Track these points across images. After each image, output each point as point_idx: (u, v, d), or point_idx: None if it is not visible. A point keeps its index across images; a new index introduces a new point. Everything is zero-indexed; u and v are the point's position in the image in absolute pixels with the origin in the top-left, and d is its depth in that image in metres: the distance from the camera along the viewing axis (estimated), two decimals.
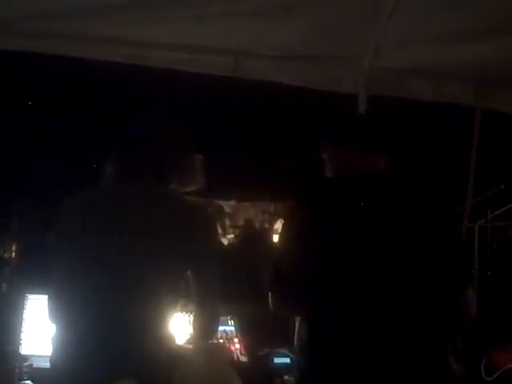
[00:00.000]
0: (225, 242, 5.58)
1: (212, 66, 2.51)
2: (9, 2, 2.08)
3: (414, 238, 1.53)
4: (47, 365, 1.50)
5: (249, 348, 2.22)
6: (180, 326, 2.05)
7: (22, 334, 2.14)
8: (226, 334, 2.23)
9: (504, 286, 5.91)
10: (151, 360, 1.41)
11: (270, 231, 7.11)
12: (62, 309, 1.48)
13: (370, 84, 2.58)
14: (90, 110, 7.51)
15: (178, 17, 2.17)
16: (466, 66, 2.48)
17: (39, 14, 2.12)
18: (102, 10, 2.12)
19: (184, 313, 2.11)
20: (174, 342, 1.54)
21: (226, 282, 1.59)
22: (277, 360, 2.16)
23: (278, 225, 7.87)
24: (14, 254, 6.08)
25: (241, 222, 8.12)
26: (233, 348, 2.20)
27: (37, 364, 1.98)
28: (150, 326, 1.45)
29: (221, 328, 2.21)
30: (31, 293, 2.20)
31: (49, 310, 1.51)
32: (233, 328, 2.26)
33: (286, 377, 2.01)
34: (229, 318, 2.28)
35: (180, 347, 1.56)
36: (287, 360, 2.09)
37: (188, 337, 1.68)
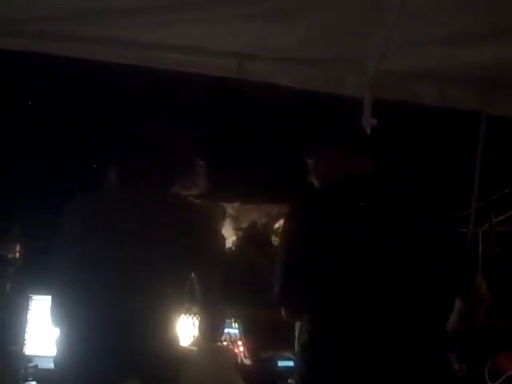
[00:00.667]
0: (228, 243, 5.57)
1: (216, 68, 2.52)
2: (9, 3, 2.09)
3: (411, 238, 1.54)
4: (51, 365, 1.50)
5: (252, 351, 2.21)
6: (184, 329, 2.05)
7: (26, 335, 2.14)
8: (230, 336, 2.23)
9: (508, 291, 5.89)
10: (155, 362, 1.41)
11: (273, 234, 7.10)
12: (65, 311, 1.49)
13: (373, 88, 2.58)
14: (91, 113, 7.52)
15: (182, 19, 2.18)
16: (471, 70, 2.48)
17: (40, 15, 2.13)
18: (106, 12, 2.12)
19: (188, 315, 2.11)
20: (178, 344, 1.54)
21: (229, 285, 1.59)
22: (280, 363, 2.16)
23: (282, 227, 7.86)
24: (17, 255, 6.09)
25: (244, 225, 8.11)
26: (236, 351, 2.20)
27: (41, 365, 1.98)
28: (154, 328, 1.45)
29: (225, 330, 2.22)
30: (35, 293, 2.20)
31: (51, 313, 1.52)
32: (237, 331, 2.26)
33: (289, 380, 2.00)
34: (232, 320, 2.28)
35: (184, 349, 1.56)
36: (291, 363, 2.08)
37: (192, 339, 1.68)
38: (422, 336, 1.51)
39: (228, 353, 1.99)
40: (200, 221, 1.53)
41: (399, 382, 1.47)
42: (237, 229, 7.26)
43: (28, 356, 2.06)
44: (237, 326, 2.27)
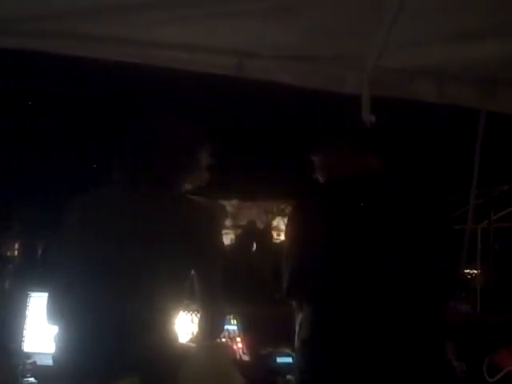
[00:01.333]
0: (226, 241, 5.58)
1: (216, 65, 2.52)
2: (8, 1, 2.09)
3: (411, 236, 1.54)
4: (50, 362, 1.50)
5: (251, 347, 2.22)
6: (183, 326, 2.05)
7: (24, 332, 2.14)
8: (229, 333, 2.23)
9: (506, 287, 5.90)
10: (154, 358, 1.42)
11: (272, 231, 7.11)
12: (63, 309, 1.49)
13: (373, 85, 2.58)
14: (91, 111, 7.52)
15: (181, 17, 2.17)
16: (470, 67, 2.48)
17: (40, 13, 2.13)
18: (105, 10, 2.12)
19: (187, 312, 2.11)
20: (177, 340, 1.54)
21: (228, 282, 1.59)
22: (279, 359, 2.16)
23: (280, 224, 7.88)
24: (16, 253, 6.10)
25: (243, 222, 8.13)
26: (235, 347, 2.20)
27: (40, 361, 1.98)
28: (153, 326, 1.45)
29: (224, 327, 2.22)
30: (34, 290, 2.20)
31: (48, 311, 1.52)
32: (235, 327, 2.27)
33: (288, 376, 2.01)
34: (231, 317, 2.28)
35: (183, 346, 1.56)
36: (289, 359, 2.09)
37: (191, 336, 1.68)
38: (421, 333, 1.51)
39: (227, 349, 1.99)
40: (200, 220, 1.53)
41: (399, 377, 1.47)
42: (236, 226, 7.28)
43: (27, 353, 2.06)
44: (235, 322, 2.28)
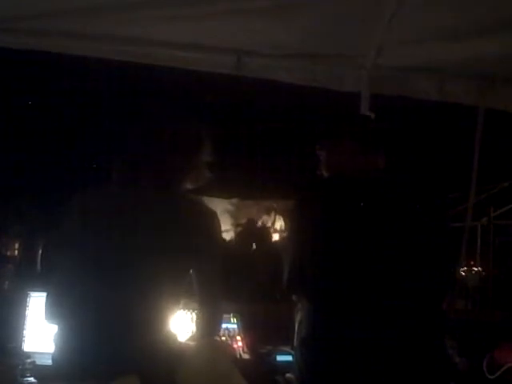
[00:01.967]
0: (226, 239, 5.58)
1: (215, 64, 2.52)
2: (10, 1, 2.08)
3: (411, 234, 1.55)
4: (50, 362, 1.50)
5: (251, 346, 2.22)
6: (182, 324, 2.05)
7: (24, 332, 2.14)
8: (229, 331, 2.23)
9: (506, 284, 5.90)
10: (153, 357, 1.41)
11: (271, 229, 7.12)
12: (63, 308, 1.48)
13: (372, 83, 2.58)
14: (91, 110, 7.51)
15: (181, 16, 2.17)
16: (470, 64, 2.48)
17: (39, 12, 2.13)
18: (105, 9, 2.12)
19: (186, 310, 2.11)
20: (177, 339, 1.54)
21: (227, 280, 1.60)
22: (279, 358, 2.16)
23: (280, 223, 7.89)
24: (16, 252, 6.10)
25: (243, 220, 8.13)
26: (235, 345, 2.20)
27: (39, 361, 1.98)
28: (152, 325, 1.45)
29: (223, 325, 2.21)
30: (33, 290, 2.20)
31: (47, 308, 1.51)
32: (235, 326, 2.26)
33: (288, 374, 2.00)
34: (231, 315, 2.28)
35: (182, 344, 1.56)
36: (289, 358, 2.08)
37: (190, 334, 1.68)
38: (421, 330, 1.52)
39: (226, 348, 1.99)
40: (200, 218, 1.53)
41: (399, 375, 1.47)
42: (235, 225, 7.28)
43: (26, 352, 2.06)
44: (235, 320, 2.28)
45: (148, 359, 1.40)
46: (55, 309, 1.50)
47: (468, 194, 2.87)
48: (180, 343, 1.56)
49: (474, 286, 5.85)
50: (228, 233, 6.60)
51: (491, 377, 2.07)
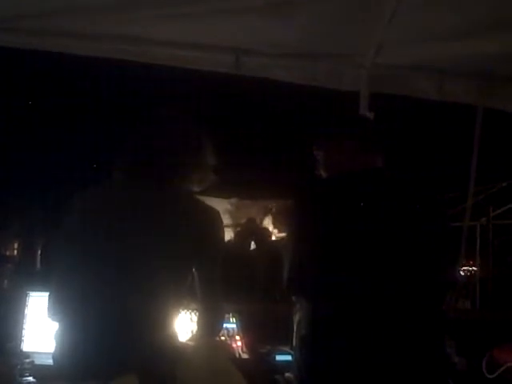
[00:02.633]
0: (226, 239, 5.57)
1: (213, 63, 2.51)
2: (9, 0, 2.08)
3: (410, 233, 1.55)
4: (49, 362, 1.50)
5: (250, 345, 2.21)
6: (182, 324, 2.05)
7: (23, 331, 2.14)
8: (228, 331, 2.23)
9: (506, 284, 5.91)
10: (153, 356, 1.41)
11: (270, 229, 7.10)
12: (63, 306, 1.48)
13: (371, 81, 2.58)
14: (92, 109, 7.51)
15: (180, 15, 2.17)
16: (469, 64, 2.48)
17: (38, 11, 2.13)
18: (105, 9, 2.12)
19: (186, 311, 2.11)
20: (176, 339, 1.54)
21: (227, 280, 1.59)
22: (278, 357, 2.16)
23: (279, 222, 7.88)
24: (15, 252, 6.11)
25: (242, 220, 8.12)
26: (234, 345, 2.20)
27: (38, 361, 1.98)
28: (152, 324, 1.45)
29: (223, 326, 2.22)
30: (33, 290, 2.20)
31: (49, 307, 1.51)
32: (234, 325, 2.26)
33: (287, 374, 2.00)
34: (230, 315, 2.28)
35: (182, 344, 1.56)
36: (289, 357, 2.08)
37: (190, 334, 1.68)
38: (420, 329, 1.52)
39: (226, 347, 1.99)
40: (201, 218, 1.53)
41: (398, 374, 1.47)
42: (235, 224, 7.27)
43: (25, 352, 2.06)
44: (234, 320, 2.28)
45: (148, 358, 1.40)
46: (57, 306, 1.50)
47: (466, 193, 2.87)
48: (179, 343, 1.56)
49: (473, 286, 5.85)
50: (227, 232, 6.59)
51: (490, 376, 2.07)
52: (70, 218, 1.53)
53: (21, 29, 2.25)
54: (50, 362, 1.49)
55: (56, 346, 1.47)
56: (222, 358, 1.59)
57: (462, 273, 5.76)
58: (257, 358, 2.17)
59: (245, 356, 2.18)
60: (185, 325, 2.08)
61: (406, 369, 1.48)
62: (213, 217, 1.55)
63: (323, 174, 1.73)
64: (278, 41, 2.41)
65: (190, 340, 1.62)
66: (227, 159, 1.65)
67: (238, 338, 2.23)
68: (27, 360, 1.96)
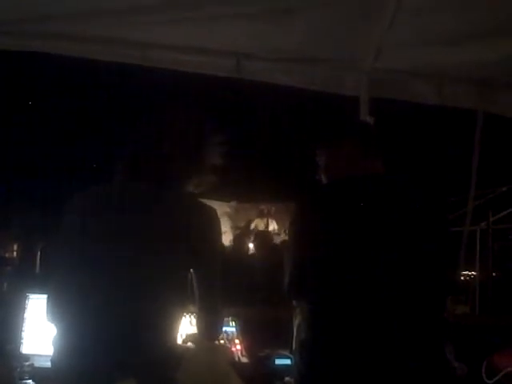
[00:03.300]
0: (225, 242, 5.58)
1: (214, 67, 2.52)
2: (9, 3, 2.09)
3: (410, 238, 1.55)
4: (48, 364, 1.49)
5: (250, 349, 2.21)
6: (181, 327, 2.05)
7: (22, 334, 2.14)
8: (227, 334, 2.23)
9: (505, 289, 5.90)
10: (152, 360, 1.41)
11: (270, 232, 7.10)
12: (63, 309, 1.48)
13: (371, 86, 2.59)
14: (92, 110, 7.51)
15: (181, 19, 2.18)
16: (469, 69, 2.48)
17: (40, 15, 2.14)
18: (105, 12, 2.13)
19: (185, 314, 2.11)
20: (176, 342, 1.53)
21: (226, 283, 1.59)
22: (278, 361, 2.16)
23: (278, 226, 7.89)
24: (15, 254, 6.10)
25: (242, 223, 8.13)
26: (234, 349, 2.20)
27: (38, 363, 1.97)
28: (152, 327, 1.45)
29: (223, 329, 2.21)
30: (32, 292, 2.20)
31: (48, 309, 1.51)
32: (234, 329, 2.26)
33: (286, 378, 2.00)
34: (230, 319, 2.28)
35: (181, 348, 1.56)
36: (288, 361, 2.08)
37: (189, 338, 1.67)
38: (420, 334, 1.52)
39: (225, 351, 1.99)
40: (200, 220, 1.52)
41: (398, 378, 1.47)
42: (234, 227, 7.28)
43: (25, 355, 2.05)
44: (234, 324, 2.27)
45: (147, 362, 1.40)
46: (56, 309, 1.50)
47: (466, 198, 2.87)
48: (179, 346, 1.56)
49: (472, 291, 5.84)
50: (226, 235, 6.60)
51: (489, 381, 2.06)
52: (69, 219, 1.53)
53: (22, 32, 2.26)
54: (50, 364, 1.49)
55: (54, 351, 1.47)
56: (222, 362, 1.59)
57: (461, 277, 5.75)
58: (256, 362, 2.16)
59: (244, 360, 2.18)
60: (184, 328, 2.08)
61: (405, 373, 1.47)
62: (211, 215, 1.55)
63: (324, 179, 1.73)
64: (278, 45, 2.42)
65: (190, 342, 1.61)
66: (227, 162, 1.65)
67: (237, 341, 2.23)
68: (27, 362, 1.96)
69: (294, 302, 1.65)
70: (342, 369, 1.48)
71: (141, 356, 1.40)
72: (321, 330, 1.53)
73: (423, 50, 2.37)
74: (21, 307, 2.17)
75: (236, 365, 1.99)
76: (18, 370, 1.93)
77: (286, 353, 2.13)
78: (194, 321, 2.17)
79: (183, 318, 2.08)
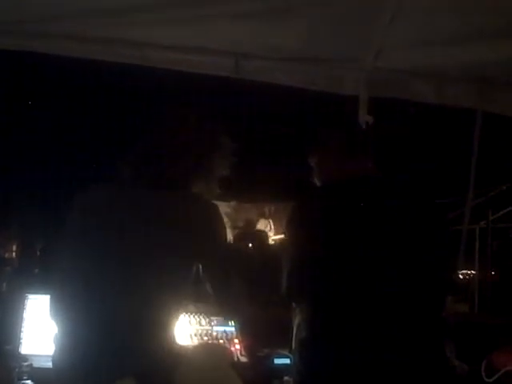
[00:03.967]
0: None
1: (213, 66, 2.51)
2: (9, 3, 2.09)
3: (408, 238, 1.55)
4: (47, 364, 1.50)
5: (249, 349, 2.21)
6: (181, 327, 2.05)
7: (21, 334, 2.14)
8: (226, 334, 2.23)
9: (505, 288, 5.91)
10: (152, 360, 1.41)
11: (269, 232, 7.12)
12: (64, 308, 1.48)
13: (371, 85, 2.58)
14: (93, 111, 7.50)
15: (180, 18, 2.17)
16: (468, 68, 2.48)
17: (40, 15, 2.13)
18: (104, 12, 2.12)
19: (185, 314, 2.11)
20: (175, 342, 1.53)
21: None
22: (277, 361, 2.16)
23: (278, 226, 7.89)
24: (14, 254, 6.11)
25: (241, 223, 8.13)
26: (233, 349, 2.20)
27: (37, 364, 1.97)
28: (152, 327, 1.45)
29: (221, 328, 2.22)
30: (31, 292, 2.20)
31: (51, 309, 1.51)
32: (233, 329, 2.26)
33: (285, 377, 2.01)
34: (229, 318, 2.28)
35: (180, 347, 1.56)
36: (287, 361, 2.08)
37: (189, 337, 1.67)
38: (420, 334, 1.52)
39: (224, 351, 1.99)
40: (202, 218, 1.53)
41: (398, 378, 1.47)
42: (233, 227, 7.27)
43: (24, 355, 2.05)
44: (233, 323, 2.27)
45: (147, 362, 1.40)
46: (59, 307, 1.50)
47: (465, 196, 2.87)
48: (178, 345, 1.56)
49: (472, 290, 5.84)
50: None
51: (489, 380, 2.07)
52: (71, 218, 1.54)
53: (22, 32, 2.26)
54: (49, 364, 1.49)
55: (56, 349, 1.47)
56: (221, 362, 1.59)
57: (460, 276, 5.75)
58: (255, 362, 2.16)
59: (243, 359, 2.18)
60: (184, 328, 2.08)
61: (405, 372, 1.48)
62: (212, 212, 1.55)
63: (317, 181, 1.74)
64: (277, 45, 2.41)
65: (188, 343, 1.61)
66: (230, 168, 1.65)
67: (236, 341, 2.23)
68: (25, 363, 1.96)
69: (293, 304, 1.65)
70: (342, 368, 1.48)
71: (140, 355, 1.40)
72: (320, 329, 1.53)
73: (423, 49, 2.36)
74: (20, 307, 2.17)
75: (235, 364, 1.99)
76: (17, 370, 1.92)
77: (285, 352, 2.13)
78: (193, 321, 2.17)
79: (184, 318, 2.09)
